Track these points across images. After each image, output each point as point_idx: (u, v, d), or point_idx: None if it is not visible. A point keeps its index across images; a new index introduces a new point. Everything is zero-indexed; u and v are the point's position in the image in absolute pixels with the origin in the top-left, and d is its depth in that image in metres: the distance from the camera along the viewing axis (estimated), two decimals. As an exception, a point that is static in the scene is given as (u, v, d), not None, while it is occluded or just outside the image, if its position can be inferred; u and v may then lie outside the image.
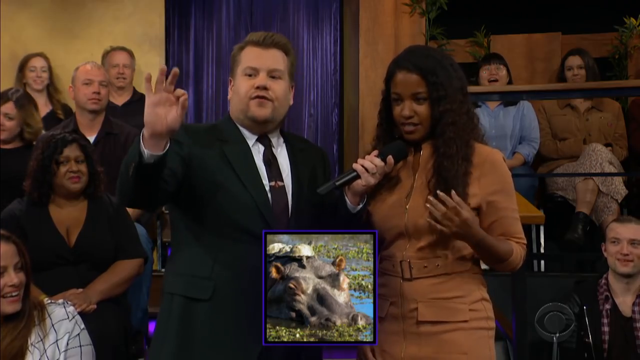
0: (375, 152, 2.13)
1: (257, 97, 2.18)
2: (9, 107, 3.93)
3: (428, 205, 2.03)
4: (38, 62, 4.97)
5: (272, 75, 2.21)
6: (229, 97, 2.29)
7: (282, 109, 2.24)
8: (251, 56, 2.22)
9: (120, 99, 4.96)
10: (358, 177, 2.09)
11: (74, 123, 3.95)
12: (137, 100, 5.01)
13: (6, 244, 2.48)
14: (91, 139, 3.80)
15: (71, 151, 3.23)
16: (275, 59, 2.22)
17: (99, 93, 3.92)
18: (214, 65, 6.06)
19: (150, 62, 5.59)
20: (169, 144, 1.94)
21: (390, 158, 2.11)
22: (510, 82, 4.92)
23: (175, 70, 1.93)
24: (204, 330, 2.13)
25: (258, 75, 2.20)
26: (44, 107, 4.90)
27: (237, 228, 2.14)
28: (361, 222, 2.17)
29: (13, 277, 2.44)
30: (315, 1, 6.07)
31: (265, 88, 2.18)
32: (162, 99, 1.93)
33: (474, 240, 2.08)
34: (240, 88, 2.22)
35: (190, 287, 2.15)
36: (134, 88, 5.09)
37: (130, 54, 5.09)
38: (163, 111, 1.92)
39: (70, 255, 3.14)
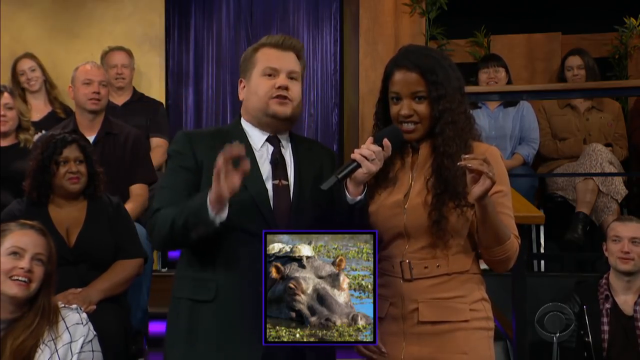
0: (370, 140, 2.11)
1: (279, 96, 2.23)
2: (7, 98, 4.01)
3: (463, 162, 1.98)
4: (25, 64, 4.92)
5: (291, 76, 2.26)
6: (241, 98, 2.31)
7: (299, 110, 2.29)
8: (270, 57, 2.26)
9: (120, 99, 4.95)
10: (359, 166, 2.07)
11: (73, 123, 3.95)
12: (137, 100, 5.02)
13: (36, 234, 2.54)
14: (91, 139, 3.80)
15: (70, 152, 3.23)
16: (292, 61, 2.29)
17: (98, 93, 3.92)
18: (214, 65, 6.06)
19: (150, 62, 5.60)
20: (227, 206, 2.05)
21: (386, 141, 2.09)
22: (509, 83, 4.93)
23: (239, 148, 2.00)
24: (209, 331, 2.15)
25: (278, 75, 2.24)
26: (44, 108, 4.90)
27: (237, 228, 2.15)
28: (365, 216, 2.16)
29: (26, 262, 2.47)
30: (315, 1, 6.07)
31: (286, 88, 2.23)
32: (224, 174, 2.01)
33: (490, 204, 2.04)
34: (259, 88, 2.24)
35: (195, 290, 2.19)
36: (133, 88, 5.08)
37: (129, 54, 5.09)
38: (227, 179, 2.01)
39: (70, 255, 3.14)
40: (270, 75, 2.25)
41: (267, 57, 2.26)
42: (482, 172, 1.97)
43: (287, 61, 2.27)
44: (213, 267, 2.17)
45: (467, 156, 2.00)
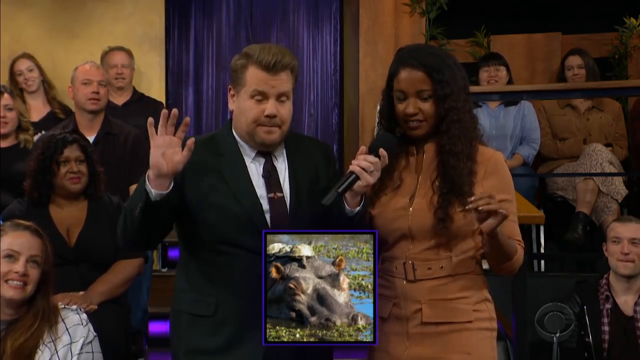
0: (364, 149, 2.10)
1: (266, 124, 2.17)
2: (7, 99, 4.01)
3: (471, 205, 1.96)
4: (23, 65, 4.91)
5: (281, 99, 2.18)
6: (230, 107, 2.27)
7: (287, 128, 2.24)
8: (259, 81, 2.16)
9: (120, 99, 4.95)
10: (357, 179, 2.06)
11: (73, 123, 3.95)
12: (137, 100, 5.02)
13: (30, 235, 2.52)
14: (91, 139, 3.79)
15: (71, 152, 3.23)
16: (283, 82, 2.18)
17: (98, 93, 3.92)
18: (214, 65, 6.06)
19: (150, 62, 5.60)
20: (172, 183, 2.04)
21: (382, 150, 2.08)
22: (510, 81, 4.92)
23: (175, 111, 2.02)
24: (208, 342, 2.17)
25: (267, 100, 2.17)
26: (42, 108, 4.90)
27: (233, 244, 2.15)
28: (362, 225, 2.15)
29: (21, 266, 2.46)
30: (315, 1, 6.07)
31: (275, 116, 2.17)
32: (166, 142, 2.02)
33: (500, 232, 2.04)
34: (247, 111, 2.19)
35: (194, 305, 2.20)
36: (133, 88, 5.09)
37: (129, 54, 5.09)
38: (168, 153, 2.01)
39: (71, 255, 3.14)
40: (260, 99, 2.17)
41: (257, 80, 2.16)
42: (494, 210, 1.96)
43: (277, 84, 2.16)
44: (212, 282, 2.17)
45: (472, 199, 1.98)
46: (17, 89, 4.82)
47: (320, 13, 6.07)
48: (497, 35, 5.49)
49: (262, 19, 6.08)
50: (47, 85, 4.97)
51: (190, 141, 2.02)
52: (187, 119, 2.03)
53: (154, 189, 2.02)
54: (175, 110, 2.02)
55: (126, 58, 5.04)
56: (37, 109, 4.83)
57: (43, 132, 4.21)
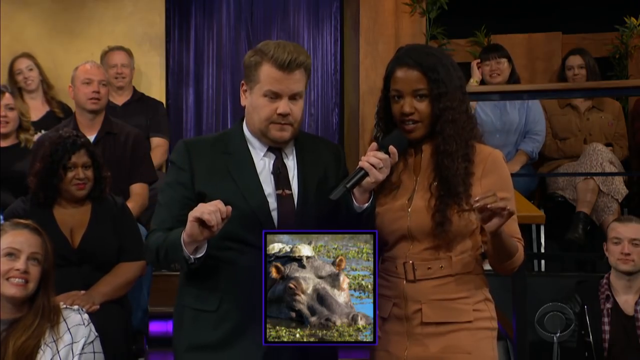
0: (375, 146, 2.11)
1: (279, 122, 2.18)
2: (8, 98, 4.00)
3: (479, 204, 1.96)
4: (22, 64, 4.91)
5: (293, 98, 2.19)
6: (243, 103, 2.27)
7: (299, 126, 2.25)
8: (273, 79, 2.17)
9: (120, 99, 4.95)
10: (366, 175, 2.07)
11: (73, 123, 3.95)
12: (137, 100, 5.02)
13: (30, 234, 2.53)
14: (91, 138, 3.78)
15: (79, 157, 3.21)
16: (297, 81, 2.18)
17: (98, 92, 3.92)
18: (214, 65, 6.05)
19: (151, 62, 5.60)
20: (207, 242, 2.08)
21: (392, 148, 2.10)
22: (513, 72, 4.87)
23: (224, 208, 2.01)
24: (210, 336, 2.18)
25: (280, 99, 2.17)
26: (41, 107, 4.90)
27: (239, 241, 2.17)
28: (372, 222, 2.16)
29: (22, 264, 2.47)
30: (315, 1, 6.06)
31: (287, 114, 2.18)
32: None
33: (503, 232, 2.04)
34: (260, 109, 2.20)
35: (198, 300, 2.21)
36: (133, 87, 5.08)
37: (129, 54, 5.09)
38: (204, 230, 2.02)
39: (74, 256, 3.13)
40: (272, 98, 2.18)
41: (270, 79, 2.16)
42: (501, 209, 1.96)
43: (291, 84, 2.17)
44: (216, 278, 2.18)
45: (478, 197, 1.98)
46: (16, 89, 4.81)
47: (320, 13, 6.07)
48: (497, 35, 5.48)
49: (263, 19, 6.07)
50: (45, 85, 4.97)
51: (229, 209, 2.01)
52: (230, 210, 2.01)
53: (192, 255, 2.06)
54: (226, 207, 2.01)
55: (126, 58, 5.04)
56: (36, 108, 4.83)
57: (42, 131, 4.21)
